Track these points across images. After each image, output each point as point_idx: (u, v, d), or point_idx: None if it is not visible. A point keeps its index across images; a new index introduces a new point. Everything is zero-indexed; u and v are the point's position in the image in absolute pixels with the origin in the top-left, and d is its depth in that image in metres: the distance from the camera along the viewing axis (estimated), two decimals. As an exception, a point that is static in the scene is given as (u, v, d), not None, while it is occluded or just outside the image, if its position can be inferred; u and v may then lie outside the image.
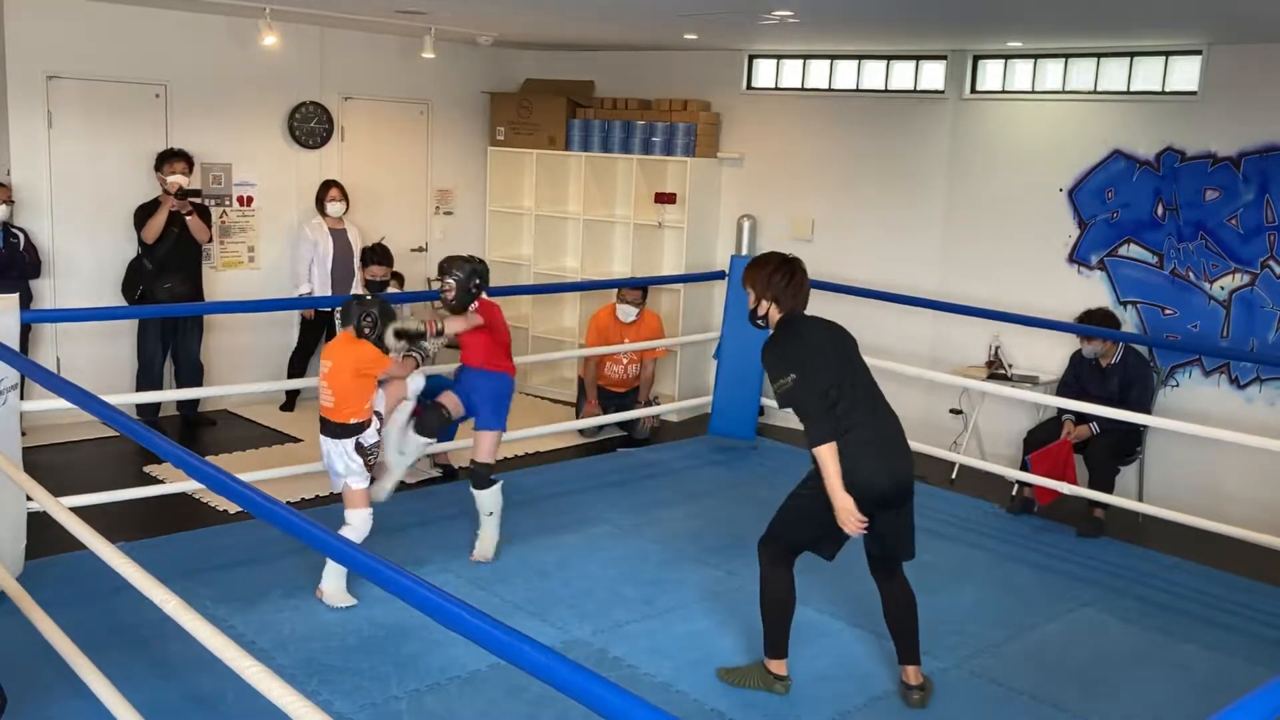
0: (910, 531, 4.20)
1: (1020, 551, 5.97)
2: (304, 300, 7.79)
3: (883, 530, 4.10)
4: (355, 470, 4.88)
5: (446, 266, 5.29)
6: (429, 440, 5.41)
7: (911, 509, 4.17)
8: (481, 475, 5.38)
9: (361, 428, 4.88)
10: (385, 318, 4.89)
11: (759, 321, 4.23)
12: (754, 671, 4.32)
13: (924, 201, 7.60)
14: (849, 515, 3.95)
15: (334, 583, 4.85)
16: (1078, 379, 6.44)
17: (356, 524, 4.87)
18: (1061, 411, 6.40)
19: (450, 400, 5.39)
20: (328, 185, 7.85)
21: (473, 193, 9.18)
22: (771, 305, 4.17)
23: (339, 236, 7.83)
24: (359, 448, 4.88)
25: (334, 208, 7.79)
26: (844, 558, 5.71)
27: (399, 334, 4.96)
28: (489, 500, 5.40)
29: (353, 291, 7.74)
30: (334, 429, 4.85)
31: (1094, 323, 6.34)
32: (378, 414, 4.98)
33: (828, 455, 3.93)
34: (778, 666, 4.29)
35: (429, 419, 5.31)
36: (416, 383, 5.21)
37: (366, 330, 4.85)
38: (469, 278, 5.25)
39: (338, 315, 6.55)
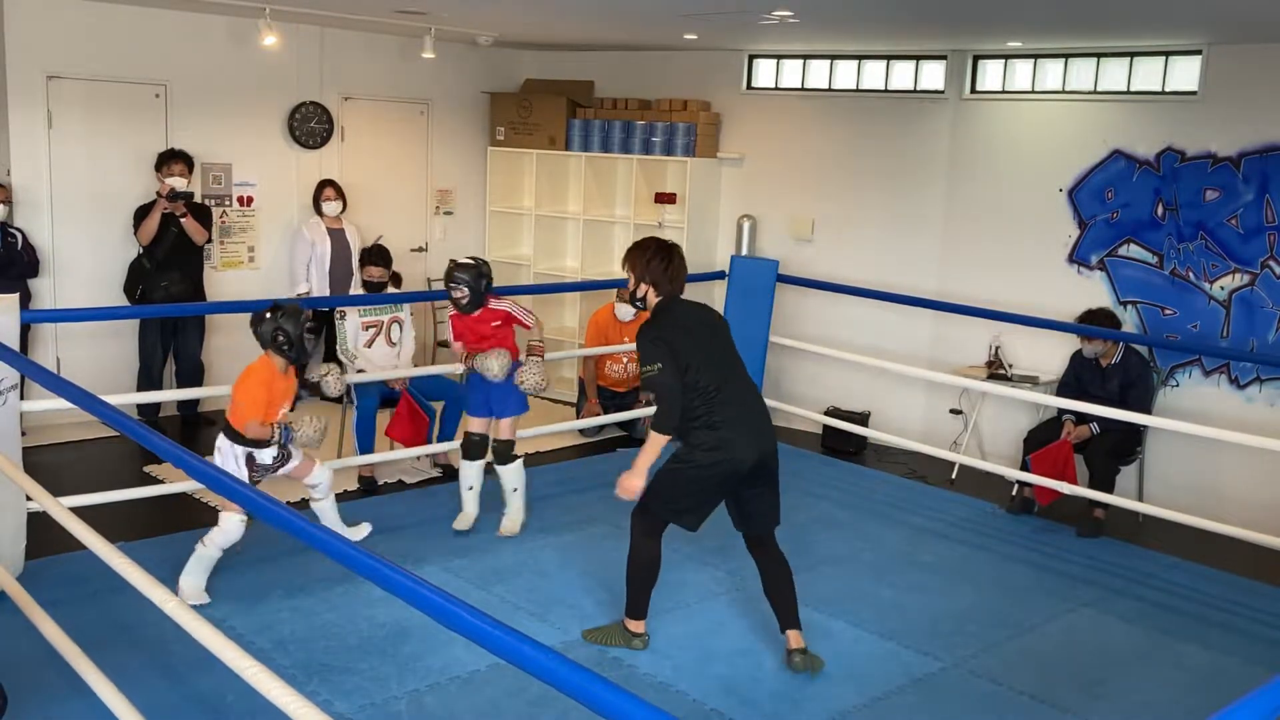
0: (776, 502, 4.48)
1: (1020, 551, 5.97)
2: (304, 300, 7.77)
3: (751, 504, 4.42)
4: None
5: (453, 273, 5.51)
6: (483, 461, 5.74)
7: (776, 482, 4.45)
8: (504, 452, 5.68)
9: (257, 443, 4.87)
10: (300, 340, 4.88)
11: (637, 303, 4.54)
12: (614, 630, 4.62)
13: (924, 201, 7.60)
14: (632, 491, 4.34)
15: (192, 579, 4.81)
16: (1078, 379, 6.44)
17: (226, 527, 4.78)
18: (1061, 411, 6.40)
19: (475, 424, 5.71)
20: (323, 185, 7.85)
21: (473, 193, 9.19)
22: (650, 289, 4.47)
23: (337, 236, 7.83)
24: (250, 460, 4.90)
25: (330, 207, 7.79)
26: (844, 558, 5.73)
27: (302, 382, 5.14)
28: (514, 475, 5.73)
29: (351, 291, 7.75)
30: (228, 430, 4.92)
31: (1095, 323, 6.34)
32: (283, 446, 4.96)
33: (658, 443, 4.28)
34: (637, 626, 4.58)
35: (471, 449, 5.71)
36: (321, 475, 5.22)
37: (282, 344, 4.86)
38: (477, 280, 5.50)
39: (338, 315, 6.60)
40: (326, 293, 7.74)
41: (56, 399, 4.29)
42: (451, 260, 5.62)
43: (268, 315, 4.90)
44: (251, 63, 7.71)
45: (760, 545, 4.52)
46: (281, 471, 5.08)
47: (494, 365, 5.47)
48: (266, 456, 4.94)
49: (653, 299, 4.47)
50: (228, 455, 4.90)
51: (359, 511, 5.99)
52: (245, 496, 2.87)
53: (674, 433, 4.29)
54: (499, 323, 5.63)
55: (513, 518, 5.75)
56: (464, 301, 5.51)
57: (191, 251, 7.25)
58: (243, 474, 4.85)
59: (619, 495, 4.38)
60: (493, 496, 5.83)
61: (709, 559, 5.59)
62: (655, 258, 4.44)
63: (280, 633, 4.58)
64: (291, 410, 5.08)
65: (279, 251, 8.06)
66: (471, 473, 5.77)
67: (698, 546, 5.72)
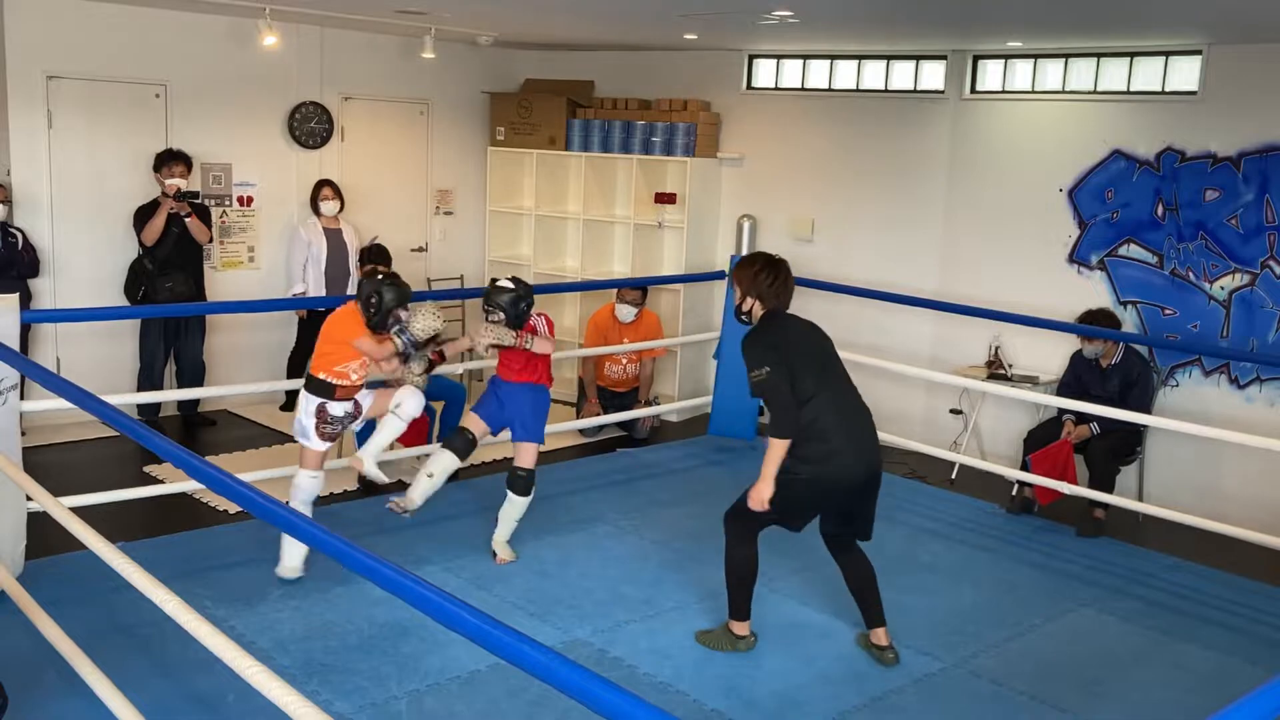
0: (872, 516, 4.52)
1: (1020, 551, 5.97)
2: (303, 300, 7.79)
3: (852, 513, 4.47)
4: (307, 428, 5.02)
5: (491, 297, 5.25)
6: (457, 462, 5.38)
7: (876, 496, 4.48)
8: (524, 481, 5.40)
9: (329, 390, 4.99)
10: (391, 302, 4.98)
11: (743, 317, 4.56)
12: (721, 634, 4.64)
13: (924, 201, 7.60)
14: (763, 502, 4.29)
15: (293, 554, 5.00)
16: (1078, 379, 6.44)
17: (299, 482, 5.08)
18: (1061, 411, 6.40)
19: (474, 423, 5.41)
20: (321, 185, 7.84)
21: (473, 193, 9.18)
22: (756, 302, 4.49)
23: (334, 236, 7.82)
24: (321, 410, 5.01)
25: (327, 207, 7.78)
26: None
27: (397, 328, 5.06)
28: (522, 507, 5.44)
29: (350, 291, 7.75)
30: (308, 381, 5.05)
31: (1095, 323, 6.34)
32: (357, 401, 5.13)
33: (779, 449, 4.25)
34: (741, 628, 4.61)
35: (456, 443, 5.36)
36: (410, 405, 5.18)
37: (371, 309, 4.98)
38: (514, 305, 5.23)
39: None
40: (323, 293, 7.74)
41: (56, 399, 4.29)
42: (493, 280, 5.37)
43: (379, 276, 5.07)
44: (251, 63, 7.71)
45: (843, 548, 4.61)
46: (358, 423, 5.23)
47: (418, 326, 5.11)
48: (338, 409, 5.04)
49: (758, 312, 4.49)
50: (302, 407, 5.06)
51: (359, 511, 5.99)
52: (245, 496, 2.86)
53: (793, 435, 4.24)
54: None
55: (499, 537, 5.47)
56: (499, 324, 5.24)
57: (193, 252, 7.25)
58: (310, 422, 5.01)
59: (751, 507, 4.34)
60: (468, 517, 5.77)
61: (709, 559, 5.58)
62: (763, 272, 4.47)
63: (280, 633, 4.58)
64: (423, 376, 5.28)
65: (279, 251, 8.06)
66: (441, 463, 5.30)
67: (698, 546, 5.72)
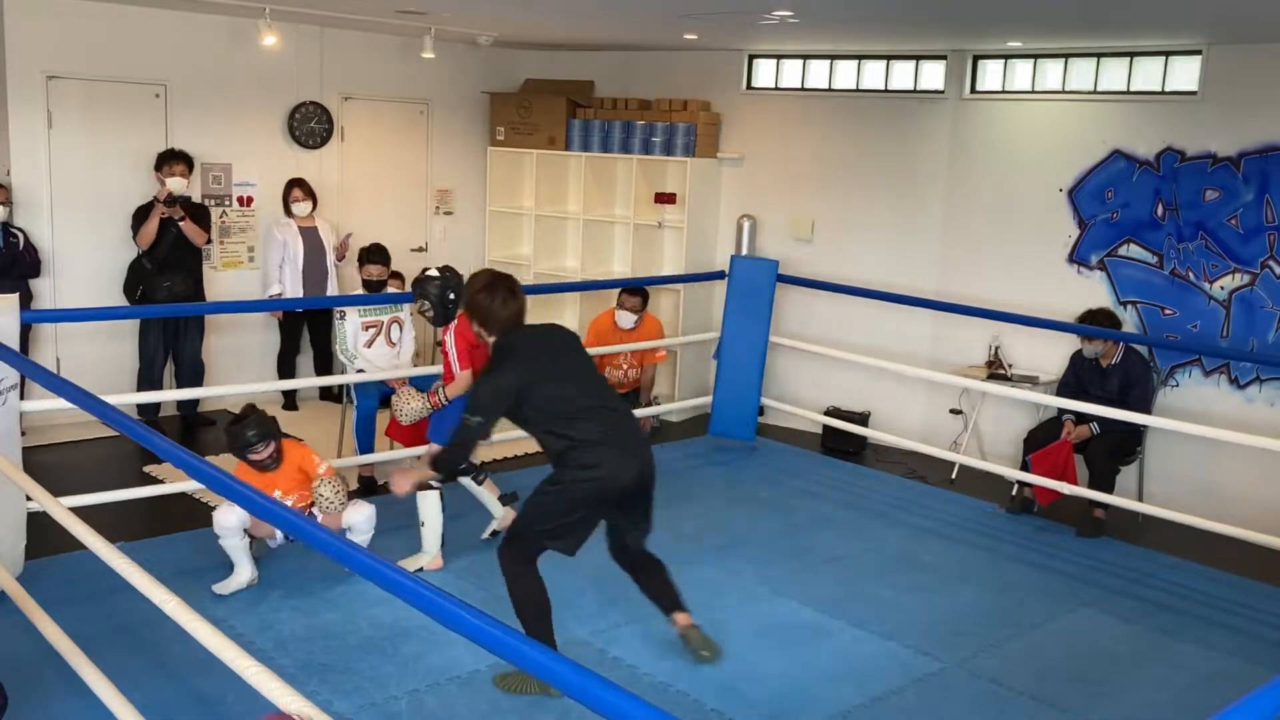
0: (650, 512, 4.36)
1: (1020, 551, 5.97)
2: (303, 300, 7.79)
3: (634, 513, 4.29)
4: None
5: (418, 287, 5.27)
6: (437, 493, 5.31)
7: (651, 498, 4.32)
8: (508, 498, 5.23)
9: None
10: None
11: (488, 344, 4.32)
12: (520, 676, 4.17)
13: (924, 201, 7.60)
14: (401, 489, 4.26)
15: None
16: (1078, 379, 6.44)
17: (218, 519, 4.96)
18: (1061, 411, 6.40)
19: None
20: (291, 185, 7.80)
21: (473, 193, 9.18)
22: (485, 327, 4.27)
23: (309, 235, 7.79)
24: None
25: (299, 208, 7.75)
26: (844, 558, 5.72)
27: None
28: (422, 506, 5.30)
29: (330, 291, 7.73)
30: None
31: (1095, 323, 6.34)
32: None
33: (429, 472, 4.28)
34: None
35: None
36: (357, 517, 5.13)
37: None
38: (441, 291, 5.25)
39: (337, 315, 6.59)
40: (300, 293, 7.72)
41: (56, 399, 4.29)
42: (423, 270, 5.37)
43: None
44: (251, 63, 7.71)
45: (638, 563, 4.49)
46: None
47: (402, 409, 5.20)
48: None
49: (489, 339, 4.28)
50: None
51: (359, 511, 5.98)
52: (245, 496, 2.87)
53: (449, 478, 4.34)
54: (442, 348, 5.33)
55: (415, 558, 5.35)
56: (430, 315, 5.26)
57: (191, 252, 7.25)
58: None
59: (394, 491, 4.30)
60: (467, 517, 5.75)
61: (709, 559, 5.59)
62: (482, 293, 4.23)
63: (280, 633, 4.58)
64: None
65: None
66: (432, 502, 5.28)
67: (698, 546, 5.73)
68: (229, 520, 4.86)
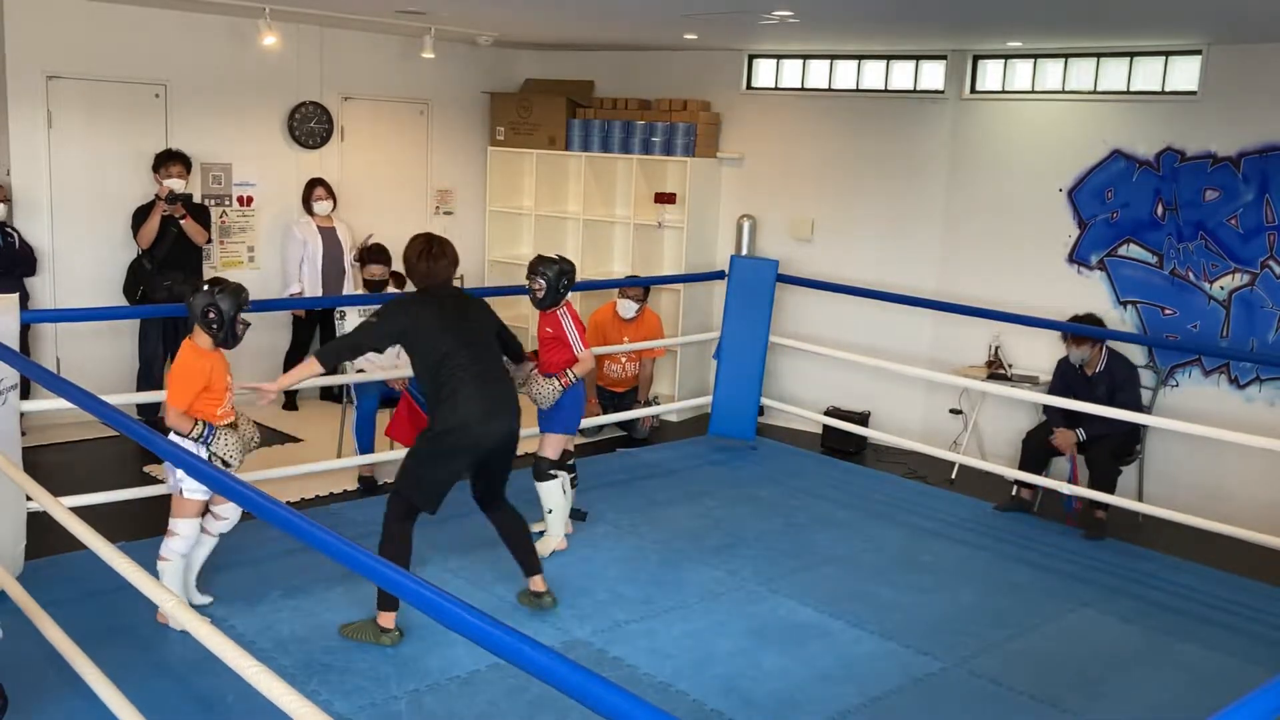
0: (507, 475, 4.82)
1: (1020, 551, 5.97)
2: (302, 300, 7.79)
3: (493, 470, 4.73)
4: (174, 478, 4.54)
5: (536, 266, 5.39)
6: (565, 476, 5.55)
7: (512, 458, 4.76)
8: (538, 469, 5.46)
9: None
10: (231, 309, 4.45)
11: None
12: (367, 625, 4.55)
13: (924, 201, 7.60)
14: (268, 396, 4.68)
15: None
16: (1067, 386, 6.41)
17: (180, 531, 4.57)
18: (1050, 416, 6.39)
19: (552, 445, 5.49)
20: (313, 184, 7.84)
21: (473, 193, 9.18)
22: (408, 280, 4.74)
23: (328, 235, 7.82)
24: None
25: (320, 206, 7.79)
26: (844, 558, 5.72)
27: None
28: (546, 494, 5.48)
29: (349, 289, 7.74)
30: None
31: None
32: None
33: (312, 368, 4.64)
34: (387, 620, 4.53)
35: (540, 467, 5.47)
36: (231, 511, 4.74)
37: (211, 321, 4.43)
38: (558, 278, 5.35)
39: (338, 315, 6.60)
40: (319, 292, 7.74)
41: (56, 399, 4.29)
42: (539, 255, 5.51)
43: (204, 288, 4.47)
44: (251, 63, 7.71)
45: (492, 505, 4.82)
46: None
47: (539, 393, 5.29)
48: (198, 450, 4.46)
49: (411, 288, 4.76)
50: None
51: (359, 511, 5.98)
52: (245, 496, 2.86)
53: (327, 367, 4.66)
54: (551, 330, 5.38)
55: (545, 541, 5.48)
56: (541, 296, 5.34)
57: (191, 251, 7.25)
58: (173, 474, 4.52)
59: (259, 400, 4.72)
60: (466, 518, 5.71)
61: (709, 559, 5.59)
62: (415, 255, 4.63)
63: (280, 633, 4.58)
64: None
65: (279, 251, 8.05)
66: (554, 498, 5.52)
67: (698, 546, 5.73)
68: (190, 531, 4.54)
